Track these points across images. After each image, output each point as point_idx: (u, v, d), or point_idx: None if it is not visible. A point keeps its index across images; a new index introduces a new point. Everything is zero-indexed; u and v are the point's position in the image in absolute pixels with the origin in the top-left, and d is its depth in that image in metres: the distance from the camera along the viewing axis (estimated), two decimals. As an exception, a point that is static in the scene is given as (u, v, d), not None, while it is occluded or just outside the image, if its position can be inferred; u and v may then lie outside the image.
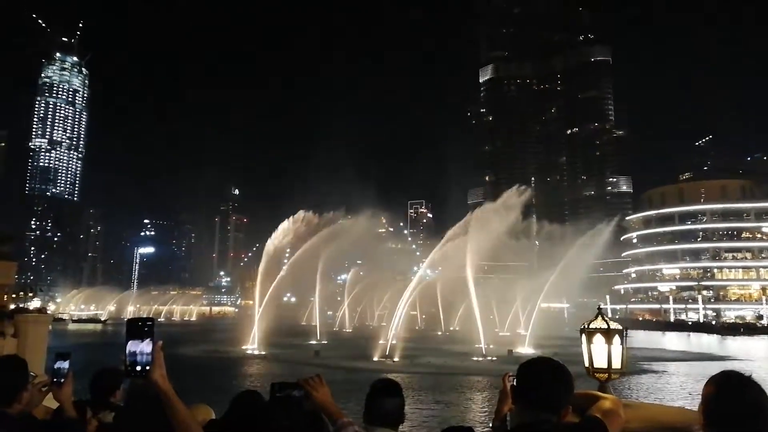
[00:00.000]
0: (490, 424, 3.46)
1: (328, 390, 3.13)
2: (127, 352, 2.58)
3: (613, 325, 3.81)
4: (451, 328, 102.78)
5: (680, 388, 35.66)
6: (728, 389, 2.54)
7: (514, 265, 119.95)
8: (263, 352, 55.31)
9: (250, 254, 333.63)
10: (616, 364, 3.78)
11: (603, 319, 3.89)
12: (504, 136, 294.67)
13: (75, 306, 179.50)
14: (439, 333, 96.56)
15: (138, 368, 2.56)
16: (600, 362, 3.80)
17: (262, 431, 2.73)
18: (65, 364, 3.46)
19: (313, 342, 69.65)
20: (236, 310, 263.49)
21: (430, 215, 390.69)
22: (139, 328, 2.62)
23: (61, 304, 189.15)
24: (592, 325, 3.88)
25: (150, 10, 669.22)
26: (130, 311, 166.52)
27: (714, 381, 2.61)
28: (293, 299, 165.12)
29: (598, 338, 3.81)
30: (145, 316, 2.81)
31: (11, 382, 3.24)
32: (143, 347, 2.58)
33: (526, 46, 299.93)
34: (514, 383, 2.89)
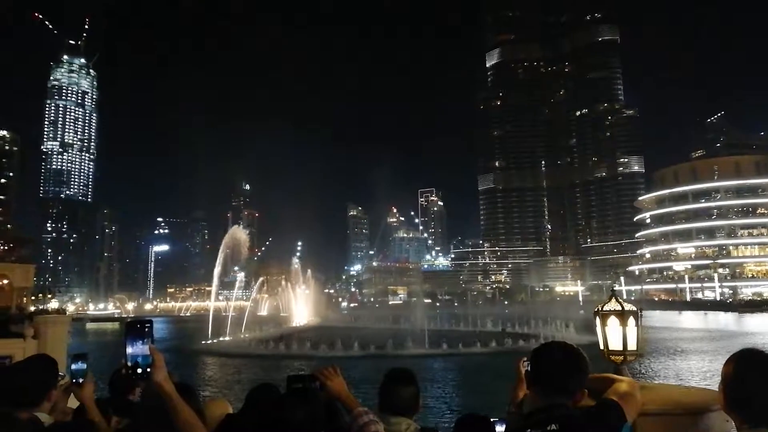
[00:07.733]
0: (507, 410, 3.45)
1: (343, 380, 3.14)
2: (127, 354, 2.60)
3: (628, 307, 3.79)
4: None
5: (698, 368, 35.45)
6: (748, 367, 2.46)
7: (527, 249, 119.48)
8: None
9: (263, 248, 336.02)
10: (632, 345, 3.75)
11: (617, 300, 3.87)
12: (512, 120, 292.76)
13: (93, 305, 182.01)
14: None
15: (139, 370, 2.58)
16: (615, 345, 3.79)
17: (279, 424, 2.74)
18: (83, 365, 3.51)
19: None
20: (251, 305, 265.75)
21: (440, 203, 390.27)
22: (138, 330, 2.64)
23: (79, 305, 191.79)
24: (606, 308, 3.87)
25: (157, 10, 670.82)
26: (148, 309, 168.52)
27: (734, 359, 2.52)
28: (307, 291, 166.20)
29: (613, 320, 3.79)
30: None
31: (42, 380, 3.28)
32: (143, 349, 2.60)
33: (532, 29, 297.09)
34: (528, 368, 2.88)
